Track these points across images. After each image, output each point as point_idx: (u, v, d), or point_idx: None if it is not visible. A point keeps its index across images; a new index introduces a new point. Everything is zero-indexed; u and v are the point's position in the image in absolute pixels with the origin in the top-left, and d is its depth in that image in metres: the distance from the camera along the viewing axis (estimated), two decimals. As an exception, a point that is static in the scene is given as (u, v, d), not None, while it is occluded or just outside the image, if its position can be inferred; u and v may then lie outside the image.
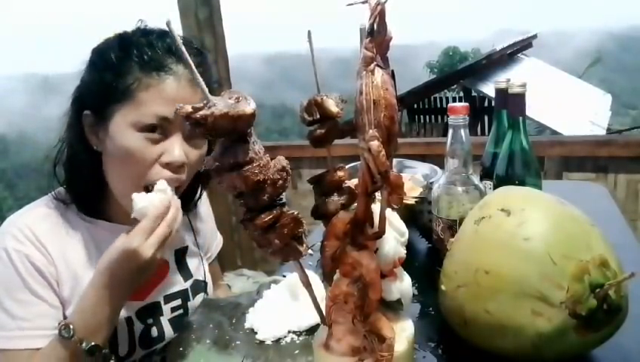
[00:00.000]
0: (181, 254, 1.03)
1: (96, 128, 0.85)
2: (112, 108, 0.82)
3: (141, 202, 0.77)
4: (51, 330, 0.80)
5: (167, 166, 0.82)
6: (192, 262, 1.05)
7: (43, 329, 0.81)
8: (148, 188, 0.82)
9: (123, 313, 0.87)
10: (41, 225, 0.86)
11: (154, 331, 0.95)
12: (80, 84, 0.87)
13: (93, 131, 0.85)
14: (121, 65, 0.82)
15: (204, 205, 1.15)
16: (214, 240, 1.19)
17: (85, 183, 0.88)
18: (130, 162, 0.82)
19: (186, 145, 0.84)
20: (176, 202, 0.81)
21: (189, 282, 1.02)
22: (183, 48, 0.51)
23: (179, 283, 1.00)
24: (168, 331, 0.96)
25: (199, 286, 1.04)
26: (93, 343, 0.76)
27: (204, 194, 1.14)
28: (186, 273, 1.03)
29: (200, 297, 1.03)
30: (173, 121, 0.81)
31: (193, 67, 0.52)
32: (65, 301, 0.86)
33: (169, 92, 0.81)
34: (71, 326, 0.76)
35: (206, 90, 0.52)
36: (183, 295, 1.01)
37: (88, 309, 0.78)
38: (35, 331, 0.81)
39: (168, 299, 0.98)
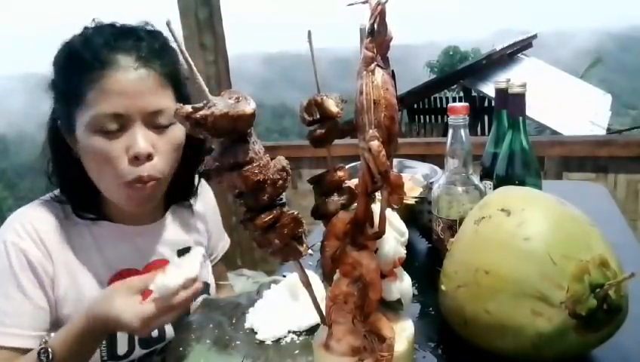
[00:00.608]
0: (183, 254, 1.02)
1: (69, 135, 0.85)
2: (72, 114, 0.81)
3: (164, 280, 0.74)
4: (28, 331, 0.81)
5: (136, 160, 0.80)
6: None
7: (20, 328, 0.81)
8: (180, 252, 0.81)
9: None
10: (45, 223, 0.86)
11: (154, 332, 0.94)
12: (54, 95, 0.87)
13: (69, 138, 0.85)
14: (66, 69, 0.81)
15: (209, 204, 1.13)
16: (220, 241, 1.18)
17: (77, 187, 0.88)
18: (99, 163, 0.81)
19: (150, 133, 0.81)
20: (190, 286, 0.76)
21: None
22: (183, 48, 0.51)
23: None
24: (169, 331, 0.96)
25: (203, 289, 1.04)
26: None
27: (211, 194, 1.14)
28: None
29: (201, 298, 1.03)
30: (128, 114, 0.79)
31: (192, 66, 0.52)
32: (59, 300, 0.86)
33: (114, 86, 0.78)
34: (50, 351, 0.76)
35: (206, 89, 0.52)
36: None
37: (69, 342, 0.77)
38: (13, 329, 0.80)
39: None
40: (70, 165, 0.86)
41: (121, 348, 0.90)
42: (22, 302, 0.82)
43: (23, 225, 0.84)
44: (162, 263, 0.94)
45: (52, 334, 0.82)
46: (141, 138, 0.80)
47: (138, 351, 0.93)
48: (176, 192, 1.00)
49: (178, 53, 0.88)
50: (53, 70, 0.84)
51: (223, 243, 1.19)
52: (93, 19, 0.87)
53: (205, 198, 1.11)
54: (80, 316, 0.78)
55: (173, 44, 0.87)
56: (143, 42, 0.82)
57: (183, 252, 1.02)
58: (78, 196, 0.89)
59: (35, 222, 0.85)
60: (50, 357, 0.75)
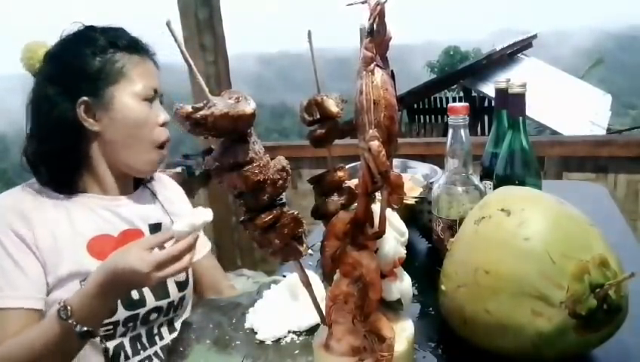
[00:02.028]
0: (154, 229, 1.06)
1: (95, 109, 0.95)
2: (110, 89, 0.95)
3: (182, 226, 0.81)
4: (26, 292, 0.88)
5: (164, 125, 1.01)
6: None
7: (19, 291, 0.88)
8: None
9: None
10: (23, 200, 0.95)
11: (135, 293, 0.97)
12: (56, 77, 0.95)
13: (90, 113, 0.95)
14: (106, 52, 0.96)
15: (172, 192, 1.19)
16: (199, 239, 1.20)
17: (67, 161, 0.97)
18: (141, 127, 0.97)
19: None
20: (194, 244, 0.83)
21: None
22: (183, 48, 0.51)
23: None
24: (149, 297, 0.99)
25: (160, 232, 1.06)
26: (85, 328, 0.80)
27: (170, 182, 1.22)
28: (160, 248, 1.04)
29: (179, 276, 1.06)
30: (158, 89, 1.01)
31: (192, 66, 0.52)
32: (45, 266, 0.91)
33: (150, 68, 1.01)
34: (69, 308, 0.80)
35: (206, 89, 0.52)
36: None
37: (87, 297, 0.81)
38: (12, 292, 0.88)
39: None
40: (72, 139, 0.96)
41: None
42: (14, 269, 0.88)
43: (4, 205, 0.93)
44: (136, 233, 1.02)
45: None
46: (164, 110, 1.02)
47: (122, 312, 0.95)
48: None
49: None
50: (80, 55, 0.95)
51: (203, 240, 1.19)
52: (80, 22, 1.01)
53: (171, 188, 1.20)
54: (95, 272, 0.83)
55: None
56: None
57: (154, 227, 1.06)
58: (64, 172, 0.98)
59: (14, 198, 0.95)
60: (69, 313, 0.80)
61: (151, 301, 0.99)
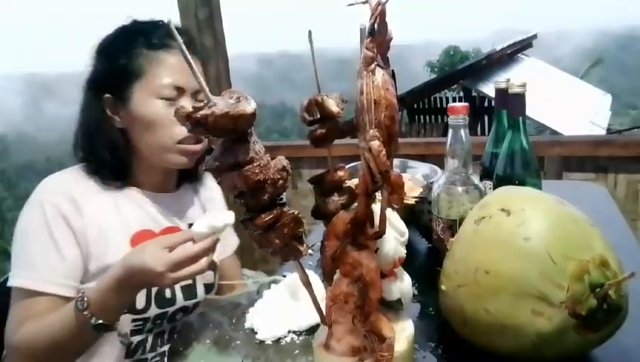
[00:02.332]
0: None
1: (118, 107, 0.97)
2: (130, 87, 0.95)
3: (201, 227, 0.80)
4: (65, 280, 0.89)
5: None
6: None
7: (57, 276, 0.89)
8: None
9: None
10: (75, 183, 0.96)
11: (167, 292, 0.99)
12: (94, 74, 0.99)
13: (115, 111, 0.97)
14: (130, 49, 0.96)
15: (212, 191, 1.19)
16: (229, 238, 1.22)
17: (113, 158, 0.98)
18: (157, 126, 0.95)
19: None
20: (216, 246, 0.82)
21: None
22: (184, 47, 0.51)
23: None
24: (179, 296, 1.00)
25: (210, 264, 1.06)
26: (101, 321, 0.81)
27: (211, 182, 1.19)
28: None
29: (208, 274, 1.07)
30: (183, 86, 0.96)
31: (192, 66, 0.52)
32: (89, 254, 0.93)
33: (175, 64, 0.96)
34: (85, 300, 0.81)
35: (206, 89, 0.52)
36: None
37: (104, 291, 0.82)
38: (51, 277, 0.89)
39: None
40: (109, 135, 0.98)
41: (140, 302, 0.94)
42: (56, 254, 0.89)
43: (58, 185, 0.95)
44: (176, 230, 1.02)
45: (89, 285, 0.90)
46: (189, 105, 0.90)
47: (153, 309, 0.96)
48: (187, 172, 1.11)
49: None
50: (109, 50, 0.98)
51: (233, 239, 1.24)
52: (129, 16, 1.03)
53: (210, 186, 1.19)
54: (114, 267, 0.83)
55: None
56: (190, 37, 1.05)
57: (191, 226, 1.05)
58: (111, 165, 0.99)
59: (67, 183, 0.96)
60: (85, 304, 0.81)
61: (180, 300, 1.00)
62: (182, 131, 0.96)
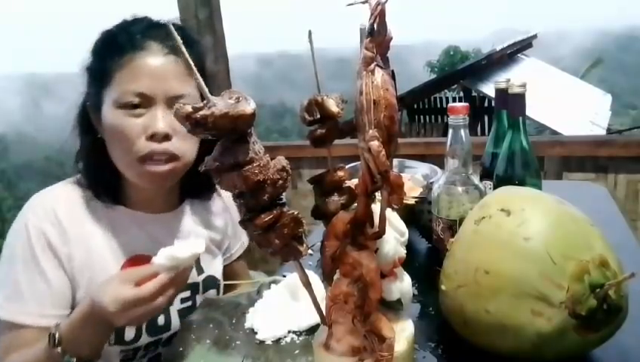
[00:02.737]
0: None
1: (95, 117, 0.90)
2: (101, 94, 0.87)
3: (162, 258, 0.74)
4: (50, 311, 0.85)
5: (152, 138, 0.85)
6: (204, 258, 1.04)
7: (42, 307, 0.85)
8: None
9: None
10: (63, 204, 0.89)
11: (160, 319, 0.95)
12: (85, 77, 0.92)
13: (96, 121, 0.91)
14: (101, 54, 0.88)
15: (230, 203, 1.12)
16: (237, 241, 1.17)
17: (100, 171, 0.92)
18: (118, 139, 0.86)
19: (171, 116, 0.84)
20: (181, 279, 0.77)
21: (202, 276, 1.03)
22: (183, 48, 0.51)
23: (191, 277, 0.97)
24: (175, 321, 0.97)
25: (211, 282, 1.04)
26: (74, 359, 0.77)
27: (224, 192, 1.13)
28: (198, 268, 1.02)
29: (210, 293, 1.04)
30: (152, 94, 0.85)
31: (192, 66, 0.52)
32: (75, 282, 0.88)
33: (143, 68, 0.85)
34: (57, 336, 0.77)
35: (206, 89, 0.52)
36: (194, 288, 1.01)
37: (74, 326, 0.78)
38: (35, 309, 0.84)
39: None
40: (95, 148, 0.91)
41: (129, 333, 0.91)
42: (43, 283, 0.85)
43: (43, 207, 0.88)
44: None
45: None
46: (160, 118, 0.85)
47: (145, 338, 0.93)
48: (194, 185, 1.02)
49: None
50: (90, 57, 0.91)
51: (241, 242, 1.18)
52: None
53: (222, 197, 1.13)
54: (82, 300, 0.80)
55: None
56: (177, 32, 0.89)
57: None
58: (100, 179, 0.92)
59: (54, 203, 0.89)
60: (57, 341, 0.77)
61: (176, 325, 0.96)
62: (143, 148, 0.85)
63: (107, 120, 0.87)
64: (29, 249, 0.85)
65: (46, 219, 0.87)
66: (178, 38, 0.51)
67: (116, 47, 0.86)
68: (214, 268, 1.07)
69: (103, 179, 0.92)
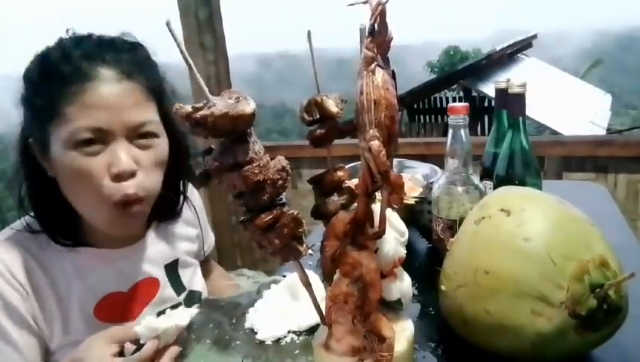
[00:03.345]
0: (171, 268, 0.98)
1: (43, 155, 0.80)
2: (46, 131, 0.76)
3: (142, 329, 0.72)
4: None
5: (118, 177, 0.76)
6: (184, 274, 1.01)
7: None
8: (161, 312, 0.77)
9: None
10: (16, 260, 0.80)
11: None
12: (23, 113, 0.82)
13: (43, 158, 0.80)
14: (42, 84, 0.77)
15: (197, 207, 1.09)
16: (207, 240, 1.13)
17: (53, 211, 0.83)
18: (79, 182, 0.76)
19: (133, 149, 0.78)
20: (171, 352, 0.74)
21: (183, 295, 0.99)
22: (183, 48, 0.51)
23: (171, 299, 0.97)
24: None
25: (194, 297, 1.01)
26: None
27: (196, 194, 1.11)
28: (178, 286, 0.99)
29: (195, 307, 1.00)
30: (110, 128, 0.75)
31: (192, 66, 0.52)
32: (48, 334, 0.83)
33: (96, 100, 0.74)
34: None
35: (206, 89, 0.52)
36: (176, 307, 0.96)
37: None
38: None
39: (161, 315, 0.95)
40: (44, 188, 0.81)
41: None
42: (9, 348, 0.79)
43: None
44: (150, 282, 0.93)
45: None
46: (123, 154, 0.76)
47: None
48: (161, 209, 0.93)
49: (158, 67, 0.86)
50: (25, 85, 0.80)
51: (210, 240, 1.15)
52: (67, 30, 0.82)
53: (193, 203, 1.07)
54: (65, 360, 0.75)
55: (154, 58, 0.86)
56: (124, 55, 0.80)
57: (170, 266, 0.98)
58: (55, 221, 0.83)
59: (6, 260, 0.80)
60: None
61: None
62: (113, 189, 0.76)
63: (60, 162, 0.76)
64: None
65: (2, 281, 0.78)
66: (178, 37, 0.51)
67: (60, 77, 0.74)
68: (195, 281, 1.03)
69: (59, 221, 0.83)
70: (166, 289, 0.96)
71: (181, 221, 1.04)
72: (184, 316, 0.77)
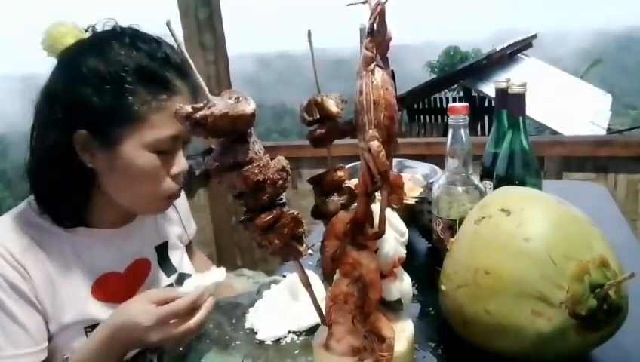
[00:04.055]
0: (161, 249, 1.02)
1: (94, 148, 0.81)
2: (119, 130, 0.80)
3: (188, 288, 0.79)
4: (29, 349, 0.81)
5: (176, 177, 0.87)
6: (174, 256, 1.04)
7: (19, 348, 0.81)
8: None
9: (109, 314, 0.85)
10: (14, 239, 0.83)
11: None
12: (60, 99, 0.80)
13: (87, 150, 0.82)
14: (124, 85, 0.78)
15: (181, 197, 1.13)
16: (190, 224, 1.17)
17: (70, 197, 0.86)
18: (143, 180, 0.84)
19: (182, 153, 0.89)
20: (207, 307, 0.79)
21: (173, 277, 1.02)
22: (183, 48, 0.51)
23: (163, 280, 1.00)
24: None
25: (183, 279, 1.00)
26: None
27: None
28: (169, 268, 1.02)
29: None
30: (182, 136, 0.84)
31: (192, 66, 0.52)
32: (46, 315, 0.84)
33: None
34: None
35: (206, 89, 0.52)
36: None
37: (91, 353, 0.79)
38: (11, 351, 0.80)
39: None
40: (73, 175, 0.84)
41: None
42: (16, 326, 0.81)
43: None
44: (143, 263, 0.97)
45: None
46: (183, 158, 0.88)
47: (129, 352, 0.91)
48: None
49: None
50: (85, 77, 0.79)
51: (192, 227, 1.18)
52: (112, 19, 0.87)
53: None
54: (99, 327, 0.80)
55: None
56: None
57: (160, 248, 1.02)
58: (60, 205, 0.86)
59: (6, 242, 0.82)
60: None
61: None
62: (170, 187, 0.86)
63: (134, 161, 0.81)
64: None
65: (1, 260, 0.80)
66: (178, 37, 0.51)
67: (152, 86, 0.80)
68: (185, 263, 1.07)
69: (72, 206, 0.87)
70: (157, 271, 1.00)
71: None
72: (219, 273, 0.81)
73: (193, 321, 0.76)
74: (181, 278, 1.03)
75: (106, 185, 0.86)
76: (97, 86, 0.78)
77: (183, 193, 1.14)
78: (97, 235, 0.91)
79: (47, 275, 0.84)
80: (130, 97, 0.79)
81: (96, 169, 0.84)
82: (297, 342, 0.82)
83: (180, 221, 1.11)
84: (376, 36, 0.54)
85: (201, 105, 0.51)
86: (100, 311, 0.87)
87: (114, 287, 0.91)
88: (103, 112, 0.79)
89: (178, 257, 1.06)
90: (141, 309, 0.75)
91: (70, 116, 0.80)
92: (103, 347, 0.78)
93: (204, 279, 0.80)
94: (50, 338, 0.85)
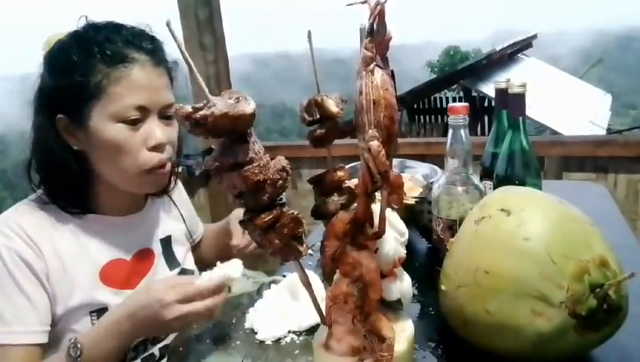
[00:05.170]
0: (166, 242, 1.04)
1: (73, 129, 0.87)
2: (87, 107, 0.85)
3: (211, 274, 0.81)
4: (34, 327, 0.83)
5: (155, 149, 0.88)
6: (178, 251, 1.06)
7: (26, 325, 0.83)
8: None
9: (115, 300, 0.88)
10: (29, 220, 0.87)
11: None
12: (44, 90, 0.88)
13: (70, 132, 0.88)
14: (85, 64, 0.84)
15: (181, 193, 1.18)
16: (197, 227, 1.21)
17: (70, 183, 0.90)
18: (119, 153, 0.86)
19: (162, 125, 0.90)
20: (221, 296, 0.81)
21: (176, 271, 1.03)
22: (183, 48, 0.51)
23: (166, 273, 1.02)
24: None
25: (186, 275, 1.05)
26: None
27: (179, 182, 1.16)
28: (172, 262, 1.04)
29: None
30: (149, 107, 0.87)
31: (192, 66, 0.52)
32: (54, 297, 0.86)
33: (139, 81, 0.85)
34: (79, 346, 0.78)
35: (206, 89, 0.52)
36: None
37: (101, 335, 0.80)
38: (18, 327, 0.82)
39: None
40: (66, 159, 0.88)
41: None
42: (25, 302, 0.83)
43: (10, 227, 0.85)
44: (147, 253, 0.99)
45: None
46: (158, 129, 0.88)
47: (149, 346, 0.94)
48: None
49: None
50: (61, 64, 0.86)
51: (200, 228, 1.23)
52: (84, 16, 0.92)
53: (179, 188, 1.16)
54: (113, 309, 0.82)
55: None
56: (155, 44, 0.92)
57: (165, 241, 1.04)
58: (72, 193, 0.91)
59: (22, 222, 0.86)
60: (79, 352, 0.78)
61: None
62: (149, 158, 0.87)
63: (103, 134, 0.85)
64: (5, 270, 0.83)
65: (17, 238, 0.84)
66: (178, 37, 0.51)
67: (106, 59, 0.84)
68: (188, 260, 1.09)
69: (75, 193, 0.91)
70: (160, 263, 1.01)
71: (173, 200, 1.12)
72: (236, 268, 0.83)
73: (211, 303, 0.78)
74: (183, 273, 1.04)
75: (95, 165, 0.90)
76: (66, 70, 0.85)
77: (185, 194, 1.19)
78: (105, 222, 0.94)
79: (58, 256, 0.87)
80: (91, 74, 0.84)
81: (84, 150, 0.88)
82: (297, 342, 0.82)
83: (182, 218, 1.12)
84: (376, 36, 0.54)
85: (201, 105, 0.51)
86: (106, 295, 0.90)
87: (120, 274, 0.93)
88: (72, 94, 0.85)
89: (182, 253, 1.08)
90: (164, 288, 0.77)
91: (51, 103, 0.87)
92: (115, 328, 0.79)
93: (222, 270, 0.81)
94: (56, 323, 0.87)
